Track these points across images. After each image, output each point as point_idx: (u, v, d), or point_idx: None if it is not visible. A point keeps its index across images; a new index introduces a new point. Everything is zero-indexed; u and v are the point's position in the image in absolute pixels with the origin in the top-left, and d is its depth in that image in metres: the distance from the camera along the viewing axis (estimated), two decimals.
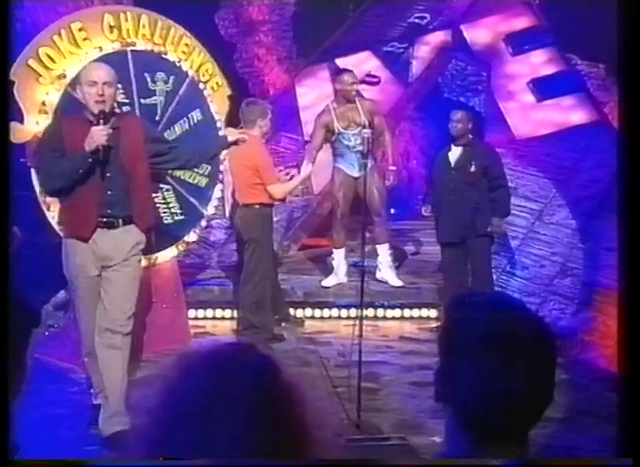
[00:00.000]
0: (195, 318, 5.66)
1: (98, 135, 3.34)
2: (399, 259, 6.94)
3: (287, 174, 7.62)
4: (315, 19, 9.17)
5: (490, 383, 1.05)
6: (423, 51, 8.06)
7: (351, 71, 6.11)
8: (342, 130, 5.84)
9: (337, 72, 6.22)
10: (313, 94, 8.07)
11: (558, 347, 1.11)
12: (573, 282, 5.96)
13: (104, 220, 3.48)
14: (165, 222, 4.84)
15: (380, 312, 5.87)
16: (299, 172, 7.70)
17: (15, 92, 4.06)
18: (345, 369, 4.26)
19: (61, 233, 3.70)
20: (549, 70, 7.36)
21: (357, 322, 3.74)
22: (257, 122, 4.96)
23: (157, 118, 4.70)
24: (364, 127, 5.82)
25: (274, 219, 7.31)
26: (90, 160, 3.37)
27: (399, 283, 5.99)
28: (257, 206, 4.92)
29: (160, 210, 4.81)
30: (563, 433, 3.85)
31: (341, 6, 9.03)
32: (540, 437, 3.75)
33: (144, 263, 4.73)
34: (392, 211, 9.54)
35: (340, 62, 8.12)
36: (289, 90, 8.35)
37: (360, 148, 5.87)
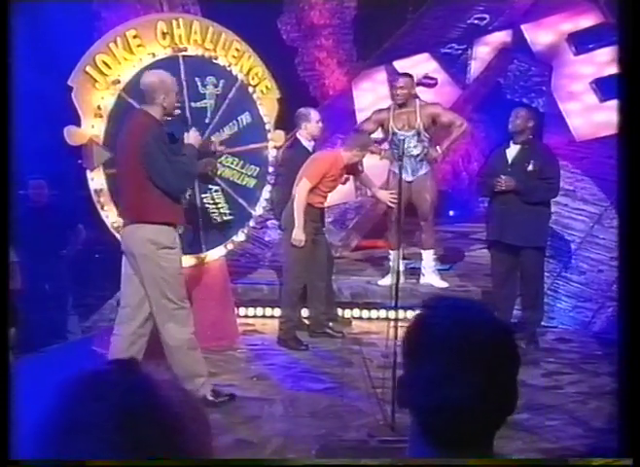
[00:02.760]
0: (246, 316, 5.79)
1: (199, 134, 4.10)
2: (453, 260, 6.89)
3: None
4: (375, 22, 9.20)
5: (451, 389, 1.05)
6: (482, 52, 7.97)
7: (408, 76, 6.05)
8: (397, 131, 5.86)
9: (395, 77, 6.23)
10: (370, 97, 8.09)
11: (519, 355, 1.10)
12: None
13: None
14: (214, 222, 4.97)
15: None
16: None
17: (73, 97, 4.26)
18: (387, 370, 4.26)
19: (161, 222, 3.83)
20: (614, 69, 7.12)
21: (393, 324, 3.74)
22: (354, 150, 5.14)
23: (206, 120, 4.84)
24: (419, 133, 5.84)
25: (329, 220, 7.43)
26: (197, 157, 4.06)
27: (444, 285, 5.94)
28: None
29: (209, 210, 4.94)
30: (607, 443, 3.73)
31: (401, 8, 9.02)
32: (581, 447, 3.67)
33: (194, 261, 4.91)
34: (451, 213, 9.51)
35: (398, 65, 8.12)
36: (346, 93, 8.40)
37: (414, 151, 5.90)
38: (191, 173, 3.96)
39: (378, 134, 6.20)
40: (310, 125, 5.23)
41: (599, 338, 5.30)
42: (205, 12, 8.63)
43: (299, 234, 4.91)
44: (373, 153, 6.14)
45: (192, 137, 3.98)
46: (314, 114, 5.34)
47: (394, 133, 5.89)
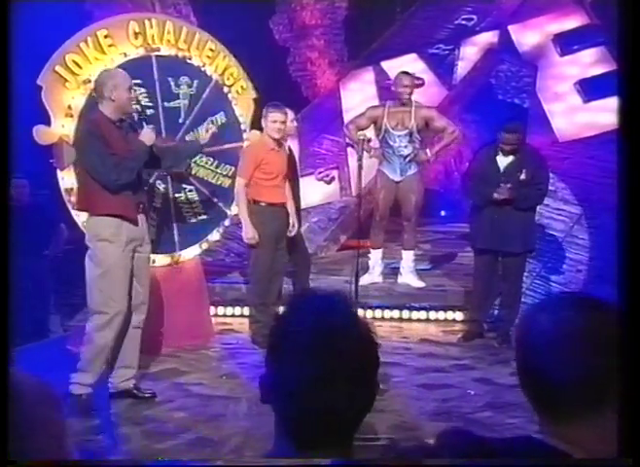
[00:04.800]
0: (224, 315, 5.81)
1: (154, 133, 3.94)
2: (437, 260, 6.90)
3: (327, 175, 7.75)
4: (366, 23, 9.23)
5: (305, 388, 1.05)
6: (469, 52, 7.97)
7: (409, 74, 6.09)
8: (390, 129, 5.88)
9: (397, 74, 6.22)
10: (358, 97, 8.11)
11: (377, 354, 1.09)
12: (612, 289, 5.74)
13: (141, 206, 3.96)
14: (189, 221, 4.99)
15: (406, 314, 5.85)
16: (339, 173, 7.81)
17: (42, 97, 4.30)
18: None
19: (94, 213, 3.88)
20: (598, 70, 7.12)
21: None
22: (264, 124, 4.92)
23: (180, 120, 4.87)
24: (411, 134, 5.87)
25: (313, 219, 7.44)
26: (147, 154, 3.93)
27: (421, 284, 5.96)
28: (262, 204, 4.88)
29: (184, 210, 4.97)
30: None
31: (392, 9, 9.04)
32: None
33: (168, 260, 4.94)
34: (443, 213, 9.52)
35: (386, 65, 8.14)
36: (333, 93, 8.42)
37: (404, 151, 5.93)
38: (128, 168, 3.81)
39: (370, 131, 6.20)
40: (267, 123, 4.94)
41: None
42: (197, 12, 8.68)
43: (248, 232, 4.83)
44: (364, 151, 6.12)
45: (144, 134, 3.91)
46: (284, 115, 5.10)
47: (387, 131, 5.91)
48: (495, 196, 4.95)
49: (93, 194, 3.82)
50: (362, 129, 5.92)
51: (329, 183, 7.59)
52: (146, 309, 4.06)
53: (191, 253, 5.04)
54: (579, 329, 1.12)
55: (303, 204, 6.87)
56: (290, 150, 5.31)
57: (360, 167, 3.99)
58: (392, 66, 8.08)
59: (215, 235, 5.18)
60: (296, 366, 1.05)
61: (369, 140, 6.14)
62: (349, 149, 7.73)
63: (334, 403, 1.04)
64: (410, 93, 5.94)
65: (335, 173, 7.64)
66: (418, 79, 7.95)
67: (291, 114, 5.25)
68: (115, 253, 3.83)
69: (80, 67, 4.37)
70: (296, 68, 10.02)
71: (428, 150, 6.06)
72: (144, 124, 4.00)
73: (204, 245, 5.13)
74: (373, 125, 6.03)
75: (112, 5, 7.91)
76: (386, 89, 7.99)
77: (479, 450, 1.19)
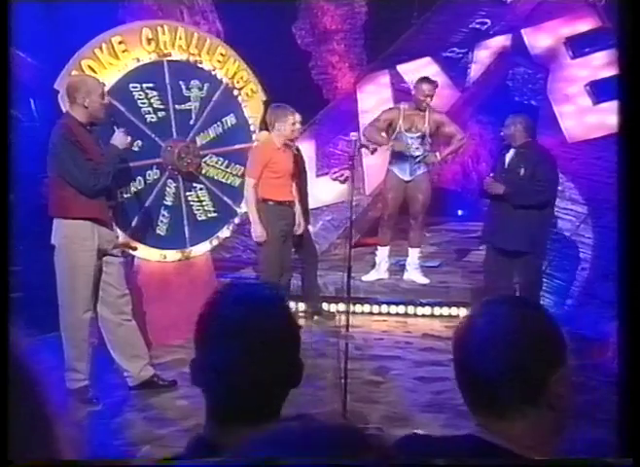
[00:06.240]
0: None
1: (126, 136, 4.04)
2: (447, 257, 7.03)
3: (341, 175, 7.92)
4: (385, 28, 9.39)
5: (235, 369, 1.13)
6: (482, 55, 8.07)
7: (432, 82, 6.19)
8: (403, 131, 6.06)
9: (419, 79, 6.31)
10: (373, 100, 8.27)
11: (298, 331, 1.19)
12: (617, 287, 5.80)
13: (112, 210, 4.12)
14: (199, 219, 5.22)
15: (411, 309, 6.00)
16: (352, 174, 7.96)
17: (59, 101, 4.55)
18: (358, 361, 4.46)
19: (70, 216, 3.95)
20: (609, 72, 7.16)
21: (344, 316, 3.93)
22: (275, 125, 5.11)
23: (191, 122, 5.10)
24: (423, 137, 6.05)
25: (327, 218, 7.63)
26: (120, 157, 4.09)
27: (425, 281, 6.11)
28: (270, 203, 5.08)
29: (194, 208, 5.19)
30: None
31: (409, 14, 9.20)
32: None
33: (178, 256, 5.17)
34: (460, 213, 9.64)
35: (401, 69, 8.29)
36: (350, 95, 8.60)
37: (415, 153, 6.10)
38: (104, 173, 3.91)
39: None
40: (284, 126, 5.14)
41: (572, 333, 5.38)
42: (223, 19, 8.94)
43: (257, 230, 5.03)
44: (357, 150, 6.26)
45: (116, 138, 4.01)
46: (290, 116, 5.19)
47: (399, 132, 6.09)
48: (484, 186, 5.02)
49: (67, 198, 3.90)
50: (381, 131, 6.12)
51: (343, 182, 7.76)
52: (129, 301, 4.17)
53: (201, 249, 5.26)
54: (513, 329, 1.17)
55: (319, 203, 7.11)
56: (298, 150, 5.49)
57: (353, 167, 4.16)
58: (407, 69, 8.23)
59: (225, 232, 5.39)
60: (221, 347, 1.14)
61: (366, 146, 6.33)
62: (363, 150, 7.91)
63: (257, 379, 1.13)
64: (430, 100, 6.08)
65: (349, 173, 7.80)
66: (432, 82, 8.11)
67: (298, 117, 5.38)
68: (84, 256, 3.90)
69: (95, 72, 4.60)
70: (317, 72, 10.24)
71: (438, 153, 6.22)
72: (115, 127, 4.06)
73: (215, 242, 5.35)
74: (388, 127, 6.22)
75: (143, 12, 8.21)
76: (401, 92, 8.15)
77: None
